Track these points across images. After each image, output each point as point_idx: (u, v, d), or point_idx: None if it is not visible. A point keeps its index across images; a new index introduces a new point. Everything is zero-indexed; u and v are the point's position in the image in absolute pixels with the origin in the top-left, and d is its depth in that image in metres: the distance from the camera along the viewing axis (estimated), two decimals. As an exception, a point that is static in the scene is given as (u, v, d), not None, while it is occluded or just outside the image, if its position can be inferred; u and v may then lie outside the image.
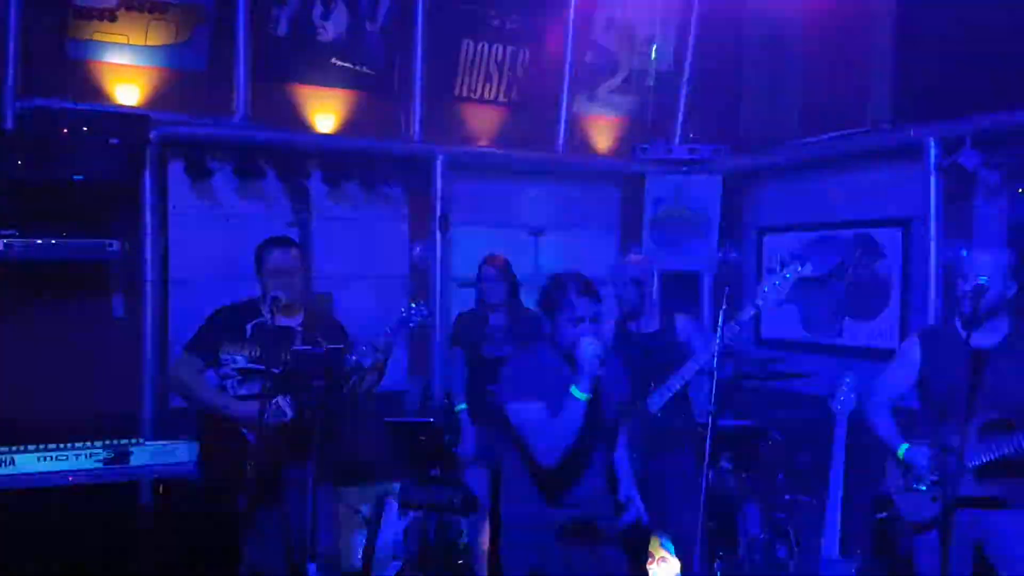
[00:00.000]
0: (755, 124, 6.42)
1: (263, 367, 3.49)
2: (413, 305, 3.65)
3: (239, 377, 3.57)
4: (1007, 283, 3.25)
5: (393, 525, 4.66)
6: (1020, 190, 4.69)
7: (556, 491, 3.12)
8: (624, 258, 5.01)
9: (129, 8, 4.91)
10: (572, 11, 6.05)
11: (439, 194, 5.71)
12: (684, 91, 6.48)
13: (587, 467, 3.15)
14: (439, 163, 5.70)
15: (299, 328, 3.64)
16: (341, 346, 3.56)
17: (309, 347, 3.52)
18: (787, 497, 4.68)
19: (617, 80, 6.38)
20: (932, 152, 4.94)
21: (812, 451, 4.54)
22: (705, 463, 3.22)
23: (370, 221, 5.66)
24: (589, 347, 2.99)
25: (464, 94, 6.03)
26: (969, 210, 4.92)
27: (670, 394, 3.97)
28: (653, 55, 6.30)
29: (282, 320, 3.59)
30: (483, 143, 6.08)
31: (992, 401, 3.19)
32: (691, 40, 6.40)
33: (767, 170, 6.30)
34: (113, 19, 4.88)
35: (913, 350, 3.48)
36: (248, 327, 3.60)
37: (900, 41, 5.21)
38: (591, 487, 3.18)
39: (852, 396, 4.01)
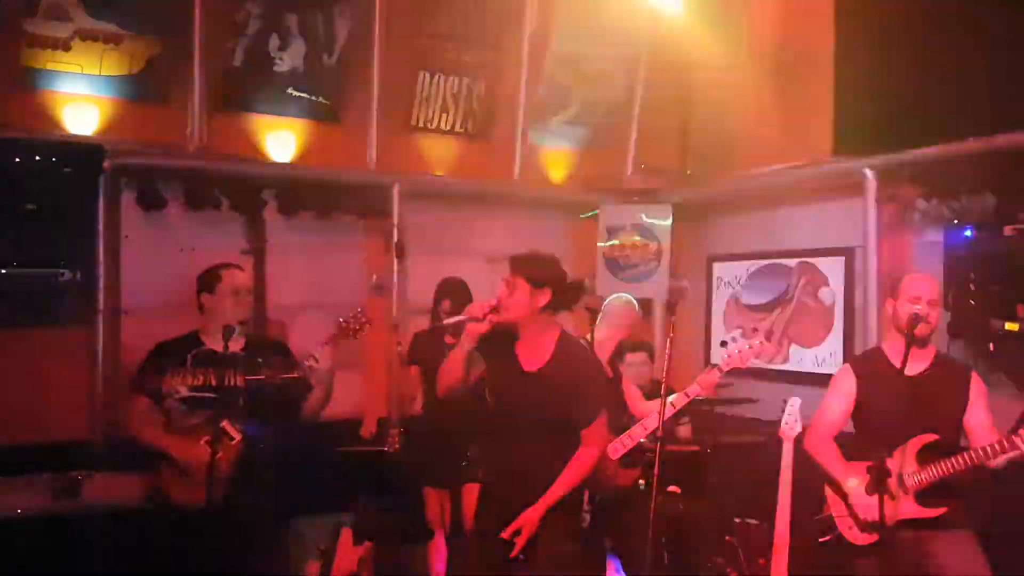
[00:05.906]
0: (704, 156, 6.60)
1: (207, 394, 3.50)
2: (351, 315, 3.68)
3: (184, 408, 3.54)
4: (938, 311, 3.40)
5: (348, 555, 4.65)
6: (955, 221, 4.88)
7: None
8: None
9: (84, 38, 4.91)
10: (525, 45, 6.20)
11: (396, 222, 5.76)
12: (635, 123, 6.66)
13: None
14: (396, 191, 5.76)
15: (241, 352, 3.61)
16: (294, 375, 3.58)
17: (261, 377, 3.55)
18: (736, 520, 4.77)
19: (570, 112, 6.53)
20: (871, 184, 5.15)
21: (760, 475, 4.63)
22: (654, 488, 3.30)
23: (325, 250, 5.67)
24: None
25: (421, 124, 6.10)
26: (907, 240, 5.11)
27: (624, 450, 4.12)
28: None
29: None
30: (440, 172, 6.16)
31: (926, 424, 3.32)
32: (641, 74, 6.58)
33: (715, 200, 6.48)
34: (67, 48, 4.88)
35: (848, 380, 3.59)
36: (188, 357, 3.60)
37: (840, 78, 5.40)
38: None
39: (798, 421, 4.12)
